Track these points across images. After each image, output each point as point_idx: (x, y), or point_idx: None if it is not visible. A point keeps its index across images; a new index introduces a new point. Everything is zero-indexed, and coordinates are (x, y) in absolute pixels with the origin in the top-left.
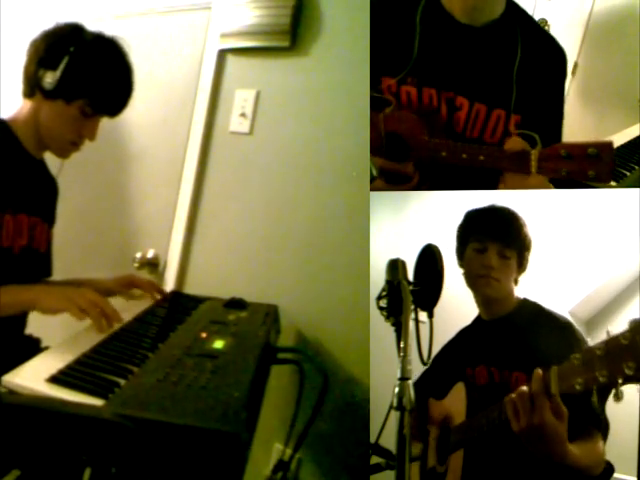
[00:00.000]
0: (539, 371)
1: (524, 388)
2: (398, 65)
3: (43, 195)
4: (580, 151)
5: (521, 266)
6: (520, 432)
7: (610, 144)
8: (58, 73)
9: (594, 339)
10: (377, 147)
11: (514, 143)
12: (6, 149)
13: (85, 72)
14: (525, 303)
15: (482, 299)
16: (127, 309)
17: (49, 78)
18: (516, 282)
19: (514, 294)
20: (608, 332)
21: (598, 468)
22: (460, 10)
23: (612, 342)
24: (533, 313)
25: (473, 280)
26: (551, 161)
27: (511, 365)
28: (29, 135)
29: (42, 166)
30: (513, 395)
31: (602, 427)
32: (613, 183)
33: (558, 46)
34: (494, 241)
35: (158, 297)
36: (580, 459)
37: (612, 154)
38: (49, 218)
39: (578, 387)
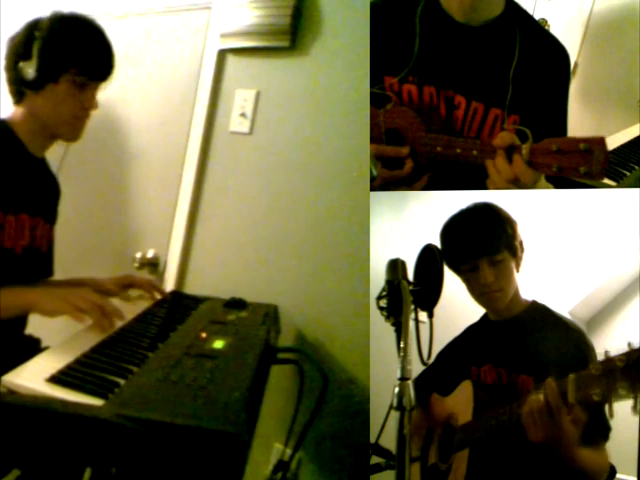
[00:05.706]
0: (552, 381)
1: (541, 397)
2: (399, 64)
3: (45, 195)
4: (571, 146)
5: (515, 254)
6: (536, 440)
7: (602, 139)
8: (34, 59)
9: (594, 339)
10: (377, 143)
11: (503, 137)
12: (7, 149)
13: (60, 44)
14: (534, 305)
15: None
16: (127, 309)
17: (29, 68)
18: (518, 268)
19: (519, 293)
20: (630, 344)
21: (602, 476)
22: (457, 10)
23: (634, 354)
24: (542, 316)
25: (477, 298)
26: (542, 155)
27: (518, 368)
28: (30, 133)
29: (43, 165)
30: (531, 406)
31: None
32: (613, 183)
33: (560, 45)
34: (481, 257)
35: (158, 297)
36: (586, 464)
37: (605, 150)
38: (51, 218)
39: (596, 397)
